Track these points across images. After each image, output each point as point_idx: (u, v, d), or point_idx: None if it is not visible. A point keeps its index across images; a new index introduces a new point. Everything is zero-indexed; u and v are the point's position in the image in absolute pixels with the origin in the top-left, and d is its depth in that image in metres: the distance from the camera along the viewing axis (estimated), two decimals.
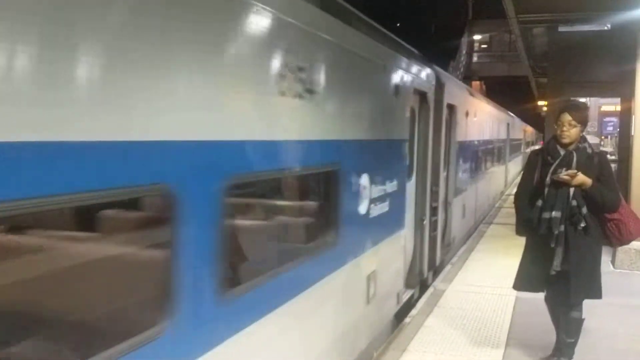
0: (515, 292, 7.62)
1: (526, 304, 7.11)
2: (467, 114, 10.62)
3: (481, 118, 12.94)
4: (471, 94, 12.17)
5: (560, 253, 4.89)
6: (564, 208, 4.83)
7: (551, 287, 5.13)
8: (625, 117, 16.24)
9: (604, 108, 34.08)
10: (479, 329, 6.36)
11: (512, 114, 21.97)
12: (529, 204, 5.03)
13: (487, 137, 14.45)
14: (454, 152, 9.62)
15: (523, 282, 5.25)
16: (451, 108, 9.17)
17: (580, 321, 5.18)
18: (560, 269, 4.91)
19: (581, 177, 4.82)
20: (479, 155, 13.21)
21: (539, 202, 4.91)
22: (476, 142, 12.50)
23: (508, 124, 19.68)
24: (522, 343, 5.94)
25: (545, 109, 15.53)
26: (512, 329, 6.36)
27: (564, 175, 4.80)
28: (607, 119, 35.47)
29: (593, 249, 5.01)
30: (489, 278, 8.52)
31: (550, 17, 12.33)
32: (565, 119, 4.90)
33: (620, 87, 14.61)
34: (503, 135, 18.52)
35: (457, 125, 9.69)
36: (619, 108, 19.85)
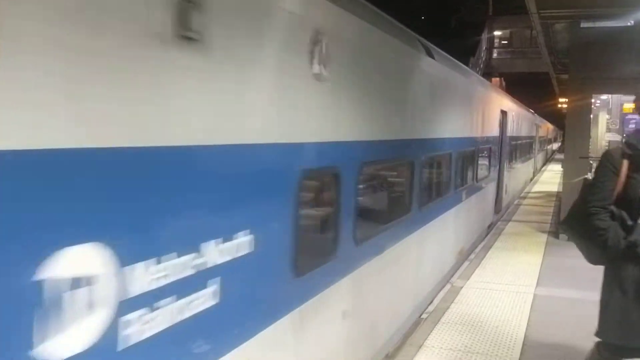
0: (533, 290, 7.63)
1: (544, 302, 7.08)
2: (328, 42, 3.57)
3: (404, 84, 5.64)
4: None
5: None
6: None
7: None
8: None
9: (627, 105, 33.62)
10: (497, 327, 6.34)
11: (515, 100, 16.43)
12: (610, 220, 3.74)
13: (436, 133, 6.95)
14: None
15: (618, 328, 3.75)
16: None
17: None
18: None
19: None
20: (387, 180, 5.93)
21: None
22: (375, 142, 4.82)
23: (503, 113, 13.29)
24: (540, 341, 5.92)
25: (566, 105, 15.30)
26: (530, 327, 6.33)
27: None
28: (629, 116, 34.91)
29: None
30: (507, 275, 8.50)
31: (572, 13, 12.17)
32: None
33: None
34: (493, 132, 12.03)
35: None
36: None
